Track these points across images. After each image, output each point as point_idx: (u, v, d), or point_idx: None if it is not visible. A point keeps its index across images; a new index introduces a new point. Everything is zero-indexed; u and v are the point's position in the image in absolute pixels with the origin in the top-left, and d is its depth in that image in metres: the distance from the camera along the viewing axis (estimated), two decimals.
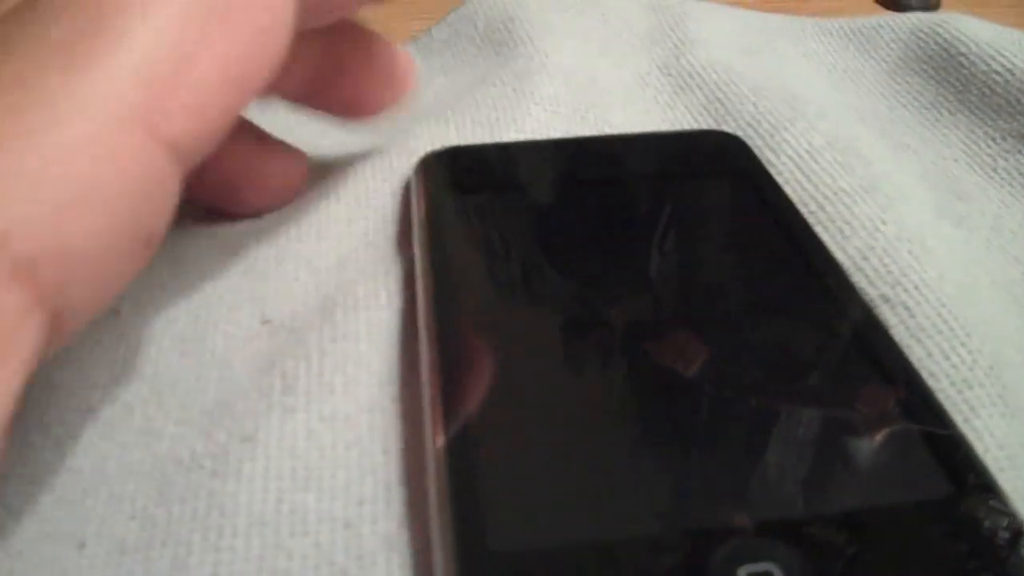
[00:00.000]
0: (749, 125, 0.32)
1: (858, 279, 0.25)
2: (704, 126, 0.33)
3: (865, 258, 0.26)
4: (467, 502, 0.18)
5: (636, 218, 0.27)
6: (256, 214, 0.29)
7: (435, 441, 0.19)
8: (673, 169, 0.29)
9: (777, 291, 0.24)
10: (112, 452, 0.21)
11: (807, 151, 0.29)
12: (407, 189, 0.29)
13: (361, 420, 0.22)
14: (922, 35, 0.37)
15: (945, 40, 0.36)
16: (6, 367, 0.15)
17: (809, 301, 0.24)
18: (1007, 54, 0.33)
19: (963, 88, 0.34)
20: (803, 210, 0.27)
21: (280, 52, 0.20)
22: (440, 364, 0.21)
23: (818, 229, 0.26)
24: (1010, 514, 0.18)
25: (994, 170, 0.32)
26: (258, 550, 0.19)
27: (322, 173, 0.30)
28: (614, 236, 0.26)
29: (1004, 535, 0.18)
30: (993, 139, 0.32)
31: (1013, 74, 0.33)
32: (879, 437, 0.20)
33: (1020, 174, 0.31)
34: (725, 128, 0.32)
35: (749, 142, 0.31)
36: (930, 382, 0.22)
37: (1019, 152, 0.32)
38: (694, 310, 0.24)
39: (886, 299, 0.24)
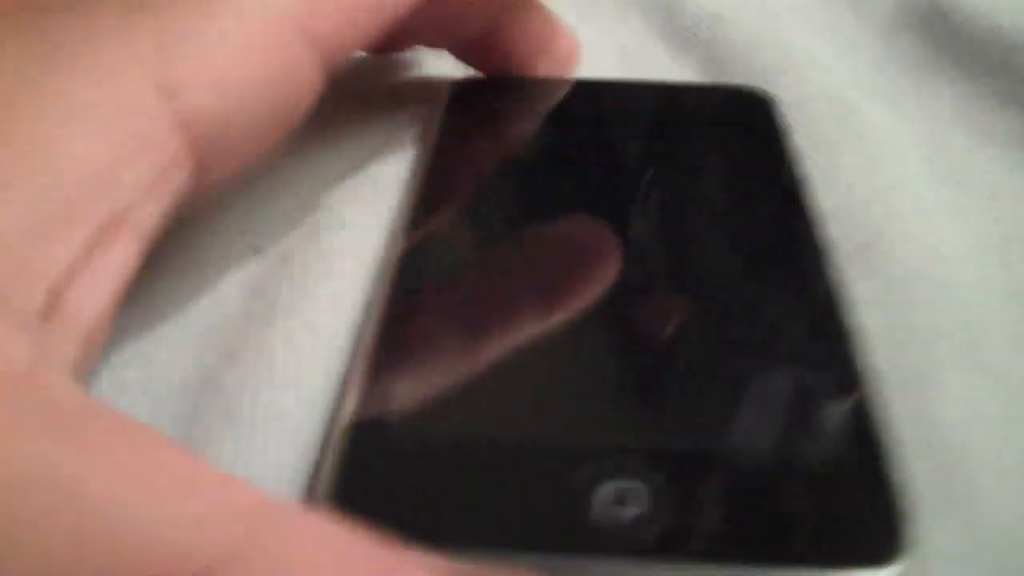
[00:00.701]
0: (743, 79, 0.32)
1: (841, 226, 0.25)
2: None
3: (848, 206, 0.26)
4: (367, 384, 0.20)
5: (630, 167, 0.27)
6: None
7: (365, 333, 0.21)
8: (687, 121, 0.30)
9: (739, 241, 0.25)
10: (104, 373, 0.22)
11: (797, 101, 0.30)
12: (422, 117, 0.29)
13: (343, 327, 0.22)
14: None
15: None
16: (161, 196, 0.18)
17: (767, 252, 0.24)
18: (996, 12, 0.33)
19: (954, 45, 0.34)
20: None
21: None
22: (397, 273, 0.22)
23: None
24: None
25: (982, 129, 0.31)
26: (232, 444, 0.20)
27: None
28: (601, 181, 0.27)
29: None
30: (983, 97, 0.32)
31: (1002, 31, 0.32)
32: (780, 385, 0.20)
33: (1013, 134, 0.31)
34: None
35: None
36: (904, 330, 0.22)
37: (1013, 112, 0.32)
38: (636, 240, 0.25)
39: (867, 245, 0.25)
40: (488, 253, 0.25)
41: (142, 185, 0.18)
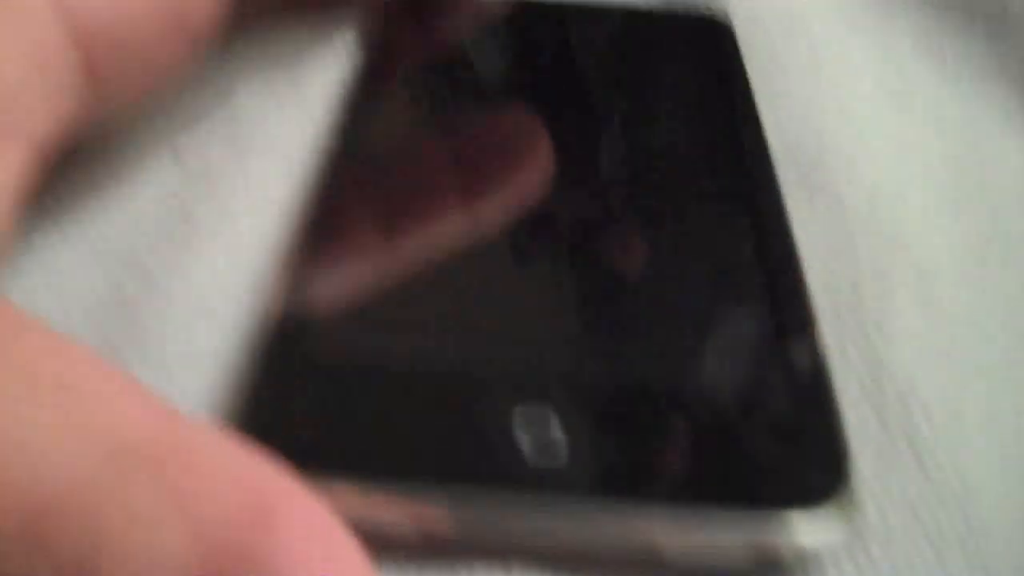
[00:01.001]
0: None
1: (789, 159, 0.25)
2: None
3: (798, 136, 0.25)
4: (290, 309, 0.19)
5: (585, 93, 0.26)
6: None
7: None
8: (640, 47, 0.29)
9: (685, 171, 0.24)
10: (15, 294, 0.20)
11: (751, 18, 0.29)
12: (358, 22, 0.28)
13: (268, 260, 0.21)
14: None
15: None
16: (55, 104, 0.18)
17: (714, 184, 0.24)
18: None
19: None
20: None
21: None
22: (321, 187, 0.22)
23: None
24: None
25: (943, 60, 0.31)
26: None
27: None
28: (544, 101, 0.26)
29: None
30: (945, 28, 0.32)
31: None
32: (712, 326, 0.20)
33: (969, 65, 0.30)
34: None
35: None
36: (852, 271, 0.22)
37: (970, 43, 0.31)
38: (577, 183, 0.24)
39: (815, 185, 0.24)
40: (416, 154, 0.24)
41: (35, 96, 0.18)
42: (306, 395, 0.17)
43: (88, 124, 0.20)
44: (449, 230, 0.22)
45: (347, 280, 0.20)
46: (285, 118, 0.25)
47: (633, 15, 0.30)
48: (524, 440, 0.17)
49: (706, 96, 0.26)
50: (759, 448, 0.17)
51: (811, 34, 0.28)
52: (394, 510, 0.16)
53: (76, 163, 0.23)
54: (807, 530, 0.16)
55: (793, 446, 0.17)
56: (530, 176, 0.23)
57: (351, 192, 0.22)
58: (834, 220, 0.23)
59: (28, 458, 0.12)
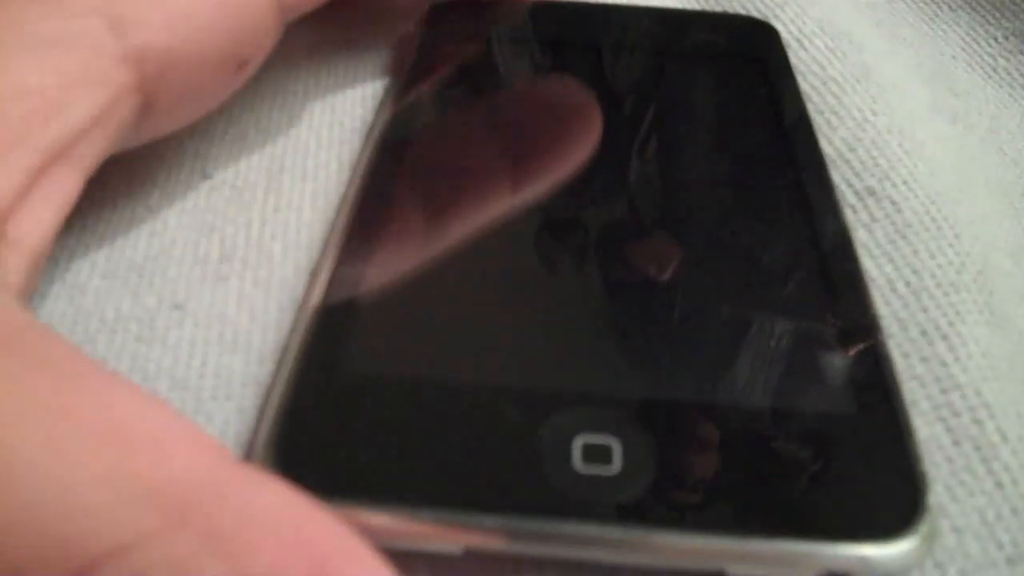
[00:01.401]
0: (740, 11, 0.30)
1: (845, 171, 0.24)
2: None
3: (852, 149, 0.24)
4: (325, 324, 0.18)
5: (626, 95, 0.26)
6: None
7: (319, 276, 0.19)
8: (685, 49, 0.28)
9: (739, 180, 0.23)
10: (41, 315, 0.20)
11: (796, 39, 0.28)
12: (397, 44, 0.28)
13: (299, 282, 0.21)
14: None
15: None
16: (107, 127, 0.19)
17: (770, 192, 0.22)
18: None
19: None
20: None
21: None
22: (354, 206, 0.21)
23: None
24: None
25: (993, 69, 0.30)
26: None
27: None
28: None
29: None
30: (994, 38, 0.31)
31: None
32: (777, 342, 0.19)
33: (1020, 74, 0.30)
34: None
35: None
36: (914, 280, 0.21)
37: (1020, 52, 0.30)
38: (630, 191, 0.23)
39: (872, 192, 0.23)
40: (462, 154, 0.23)
41: (88, 116, 0.18)
42: (342, 421, 0.16)
43: (133, 145, 0.21)
44: (499, 214, 0.21)
45: (383, 299, 0.19)
46: (320, 143, 0.24)
47: (680, 16, 0.30)
48: (587, 469, 0.16)
49: (755, 98, 0.26)
50: (833, 478, 0.16)
51: (858, 47, 0.27)
52: (445, 536, 0.15)
53: (105, 182, 0.22)
54: (884, 562, 0.15)
55: (869, 475, 0.16)
56: (581, 145, 0.23)
57: (389, 207, 0.21)
58: (894, 228, 0.22)
59: (77, 511, 0.12)
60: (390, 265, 0.20)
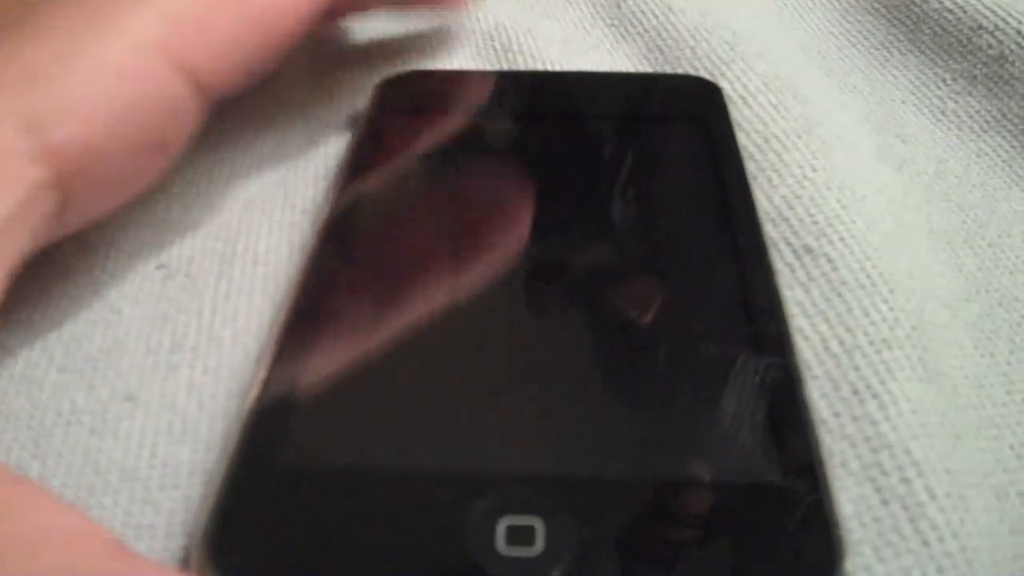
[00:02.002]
0: (688, 72, 0.30)
1: (783, 229, 0.24)
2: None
3: (791, 207, 0.24)
4: (261, 417, 0.19)
5: (566, 158, 0.26)
6: None
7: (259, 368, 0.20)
8: (627, 111, 0.28)
9: (670, 254, 0.23)
10: None
11: (741, 96, 0.28)
12: (351, 120, 0.28)
13: (247, 370, 0.21)
14: None
15: None
16: (23, 225, 0.19)
17: (701, 270, 0.23)
18: None
19: (914, 27, 0.33)
20: None
21: (312, 7, 0.24)
22: (295, 296, 0.21)
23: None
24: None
25: (942, 112, 0.30)
26: (125, 506, 0.19)
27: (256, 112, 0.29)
28: (535, 173, 0.26)
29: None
30: (943, 80, 0.31)
31: (965, 12, 0.31)
32: (697, 414, 0.19)
33: (968, 117, 0.30)
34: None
35: None
36: (847, 338, 0.21)
37: (968, 94, 0.30)
38: (558, 267, 0.23)
39: (809, 250, 0.23)
40: (405, 243, 0.24)
41: (11, 221, 0.18)
42: (276, 513, 0.17)
43: (56, 239, 0.21)
44: (432, 302, 0.22)
45: (317, 389, 0.19)
46: (272, 227, 0.25)
47: (623, 79, 0.30)
48: (510, 551, 0.16)
49: (695, 155, 0.26)
50: (754, 548, 0.16)
51: (803, 101, 0.28)
52: None
53: (58, 275, 0.23)
54: None
55: (789, 544, 0.16)
56: (515, 232, 0.23)
57: (327, 297, 0.21)
58: (830, 286, 0.23)
59: None
60: (325, 355, 0.20)
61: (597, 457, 0.18)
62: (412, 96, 0.28)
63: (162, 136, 0.21)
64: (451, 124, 0.27)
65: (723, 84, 0.29)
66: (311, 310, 0.21)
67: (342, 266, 0.22)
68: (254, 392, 0.19)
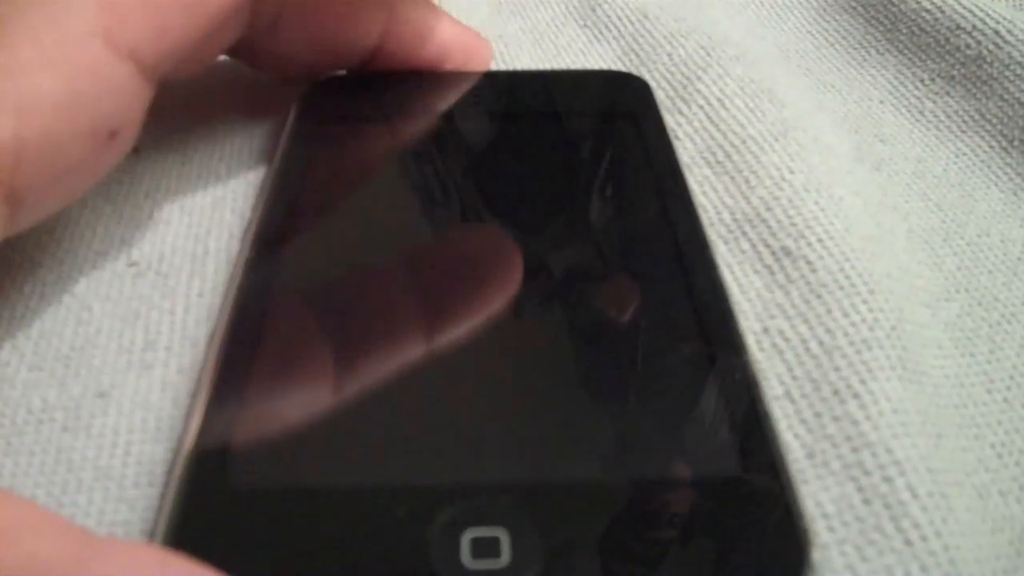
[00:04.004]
0: (664, 76, 0.30)
1: (762, 231, 0.24)
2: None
3: (769, 209, 0.24)
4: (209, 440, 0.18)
5: (496, 159, 0.26)
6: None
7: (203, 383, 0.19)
8: (559, 108, 0.28)
9: (610, 251, 0.23)
10: None
11: (718, 99, 0.28)
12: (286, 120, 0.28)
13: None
14: None
15: None
16: None
17: (643, 266, 0.23)
18: None
19: (892, 27, 0.33)
20: (711, 159, 0.26)
21: None
22: (234, 310, 0.21)
23: (725, 179, 0.25)
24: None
25: (920, 112, 0.30)
26: (99, 503, 0.19)
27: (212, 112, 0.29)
28: (465, 175, 0.26)
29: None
30: (921, 80, 0.31)
31: (943, 12, 0.31)
32: (654, 410, 0.19)
33: (947, 116, 0.30)
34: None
35: (663, 92, 0.29)
36: (827, 339, 0.21)
37: (947, 94, 0.31)
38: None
39: (787, 252, 0.23)
40: (352, 267, 0.23)
41: None
42: (234, 531, 0.17)
43: (8, 236, 0.20)
44: (373, 312, 0.21)
45: (270, 407, 0.19)
46: (244, 224, 0.25)
47: (553, 77, 0.30)
48: (476, 564, 0.16)
49: (626, 150, 0.26)
50: (720, 544, 0.16)
51: (780, 104, 0.28)
52: None
53: (28, 271, 0.22)
54: None
55: (754, 537, 0.16)
56: (497, 301, 0.22)
57: (266, 310, 0.21)
58: (808, 287, 0.22)
59: None
60: (273, 372, 0.20)
61: (556, 464, 0.18)
62: (338, 101, 0.28)
63: (111, 122, 0.21)
64: (376, 127, 0.27)
65: (700, 88, 0.29)
66: (248, 327, 0.20)
67: (280, 277, 0.22)
68: (199, 411, 0.19)
